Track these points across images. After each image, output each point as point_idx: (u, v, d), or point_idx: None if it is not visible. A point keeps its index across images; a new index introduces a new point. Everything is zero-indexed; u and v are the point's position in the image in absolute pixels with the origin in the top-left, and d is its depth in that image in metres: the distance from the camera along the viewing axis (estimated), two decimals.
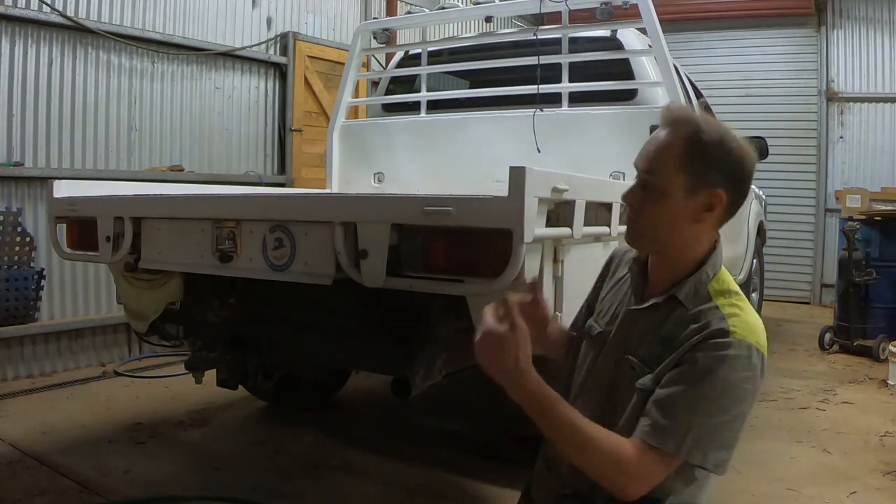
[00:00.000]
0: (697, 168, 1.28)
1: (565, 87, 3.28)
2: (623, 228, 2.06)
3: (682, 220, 1.31)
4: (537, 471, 1.51)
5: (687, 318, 1.29)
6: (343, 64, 4.13)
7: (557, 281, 1.88)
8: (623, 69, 3.33)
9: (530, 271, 1.65)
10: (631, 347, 1.35)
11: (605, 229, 2.06)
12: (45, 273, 3.93)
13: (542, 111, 3.28)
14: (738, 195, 1.33)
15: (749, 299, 5.87)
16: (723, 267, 1.37)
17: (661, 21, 3.08)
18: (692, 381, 1.21)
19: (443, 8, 3.88)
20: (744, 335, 1.23)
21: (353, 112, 4.32)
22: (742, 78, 7.68)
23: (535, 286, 1.45)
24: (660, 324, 1.32)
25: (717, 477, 1.33)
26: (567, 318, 1.74)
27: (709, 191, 1.29)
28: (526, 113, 3.30)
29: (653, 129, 1.40)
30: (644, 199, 1.31)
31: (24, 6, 3.85)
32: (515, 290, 1.65)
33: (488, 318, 1.21)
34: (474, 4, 3.66)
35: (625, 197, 1.35)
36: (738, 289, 1.35)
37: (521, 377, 1.18)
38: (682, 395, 1.21)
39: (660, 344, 1.30)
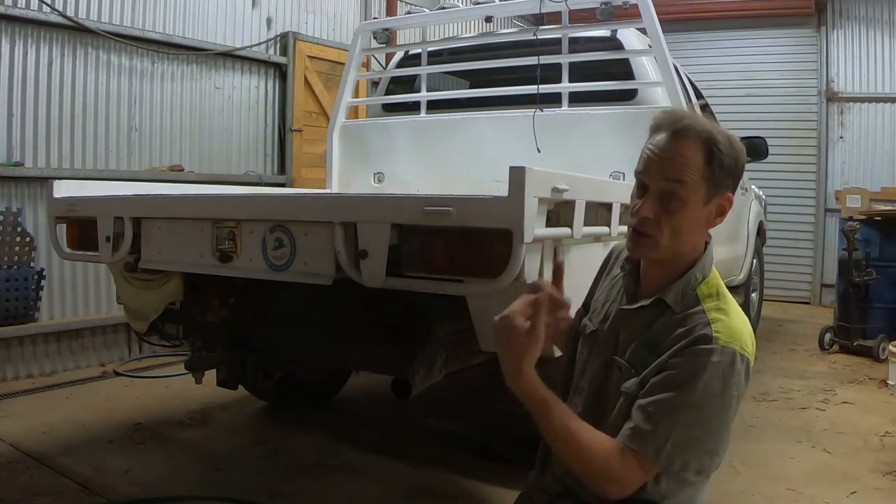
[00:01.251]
0: (716, 176, 1.28)
1: (565, 87, 3.28)
2: (623, 228, 2.07)
3: (698, 227, 1.32)
4: (534, 470, 1.51)
5: (673, 322, 1.29)
6: (343, 64, 4.13)
7: None
8: (623, 69, 3.33)
9: (530, 271, 1.65)
10: (619, 348, 1.36)
11: (605, 229, 2.06)
12: (45, 273, 3.93)
13: (542, 111, 3.28)
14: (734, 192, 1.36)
15: (749, 299, 5.85)
16: (713, 269, 1.37)
17: (661, 21, 3.08)
18: (675, 388, 1.22)
19: (443, 8, 3.88)
20: (728, 341, 1.23)
21: (353, 112, 4.32)
22: (742, 78, 7.67)
23: (560, 271, 1.44)
24: (647, 326, 1.32)
25: (717, 477, 1.33)
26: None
27: (723, 196, 1.31)
28: (526, 113, 3.30)
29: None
30: (661, 211, 1.28)
31: (24, 6, 3.85)
32: (515, 291, 1.65)
33: (518, 304, 1.24)
34: (474, 4, 3.66)
35: (639, 210, 1.29)
36: (726, 291, 1.35)
37: (518, 376, 1.21)
38: (664, 401, 1.22)
39: (646, 347, 1.31)
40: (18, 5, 3.83)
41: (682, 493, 1.29)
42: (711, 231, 1.38)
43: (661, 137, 1.31)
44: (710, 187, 1.29)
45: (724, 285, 1.36)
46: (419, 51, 3.88)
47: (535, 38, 3.35)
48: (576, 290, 1.55)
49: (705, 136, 1.28)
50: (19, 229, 3.84)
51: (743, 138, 5.37)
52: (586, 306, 1.54)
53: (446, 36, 5.99)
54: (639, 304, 1.35)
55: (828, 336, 5.11)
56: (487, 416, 3.39)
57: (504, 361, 1.22)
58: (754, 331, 4.55)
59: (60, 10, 3.97)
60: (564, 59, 3.28)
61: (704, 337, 1.24)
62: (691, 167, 1.27)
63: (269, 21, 5.28)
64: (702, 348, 1.23)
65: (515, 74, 3.46)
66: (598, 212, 2.06)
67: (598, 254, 1.97)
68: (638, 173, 1.33)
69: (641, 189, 1.32)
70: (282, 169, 5.39)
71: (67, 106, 4.09)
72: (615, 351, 1.36)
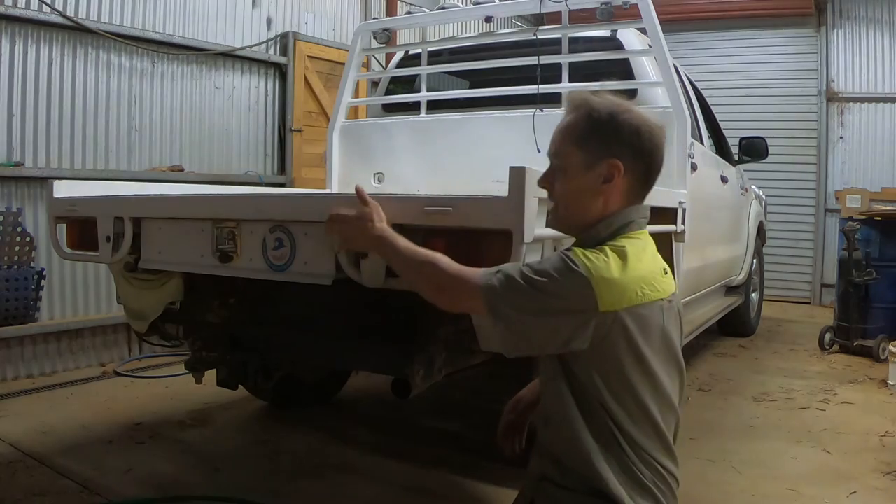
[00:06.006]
0: (592, 143, 1.39)
1: (565, 87, 3.28)
2: None
3: (587, 193, 1.41)
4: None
5: None
6: (343, 64, 4.13)
7: None
8: (623, 69, 3.33)
9: None
10: None
11: None
12: (45, 273, 3.93)
13: (542, 111, 3.28)
14: (643, 164, 1.42)
15: (749, 299, 5.83)
16: (635, 235, 1.41)
17: (661, 21, 3.08)
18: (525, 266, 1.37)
19: (443, 8, 3.87)
20: (583, 257, 1.32)
21: (353, 112, 4.32)
22: (742, 78, 7.67)
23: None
24: None
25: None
26: None
27: (607, 161, 1.38)
28: (526, 113, 3.30)
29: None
30: (553, 182, 1.44)
31: (24, 6, 3.85)
32: None
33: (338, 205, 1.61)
34: (474, 4, 3.65)
35: (539, 182, 1.48)
36: (632, 248, 1.37)
37: (382, 238, 1.52)
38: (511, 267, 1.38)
39: None
40: (18, 5, 3.83)
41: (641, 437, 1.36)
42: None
43: None
44: (588, 153, 1.39)
45: (636, 252, 1.37)
46: (419, 51, 3.87)
47: (535, 38, 3.35)
48: None
49: (581, 105, 1.41)
50: (19, 229, 3.84)
51: (743, 138, 5.39)
52: None
53: (446, 36, 5.99)
54: None
55: (828, 336, 5.11)
56: (487, 416, 3.40)
57: (365, 237, 1.55)
58: (754, 331, 4.54)
59: (60, 10, 3.97)
60: (564, 59, 3.28)
61: (569, 248, 1.40)
62: (567, 138, 1.42)
63: (269, 21, 5.28)
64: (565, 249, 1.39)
65: (515, 74, 3.46)
66: None
67: None
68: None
69: None
70: (282, 169, 5.39)
71: (67, 106, 4.09)
72: None
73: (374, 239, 1.54)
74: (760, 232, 5.64)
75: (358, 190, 1.61)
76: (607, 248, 1.35)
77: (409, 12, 4.49)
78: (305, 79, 5.47)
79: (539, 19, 3.57)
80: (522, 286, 1.32)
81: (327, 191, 3.91)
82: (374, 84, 5.41)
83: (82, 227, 2.43)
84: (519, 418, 1.75)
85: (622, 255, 1.34)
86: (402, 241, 1.50)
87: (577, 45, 3.36)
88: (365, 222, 1.54)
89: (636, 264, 1.35)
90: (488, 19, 3.90)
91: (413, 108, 3.84)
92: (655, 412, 1.37)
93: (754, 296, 5.68)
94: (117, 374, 4.11)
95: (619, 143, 1.38)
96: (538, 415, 1.55)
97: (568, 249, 1.37)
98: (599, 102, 1.40)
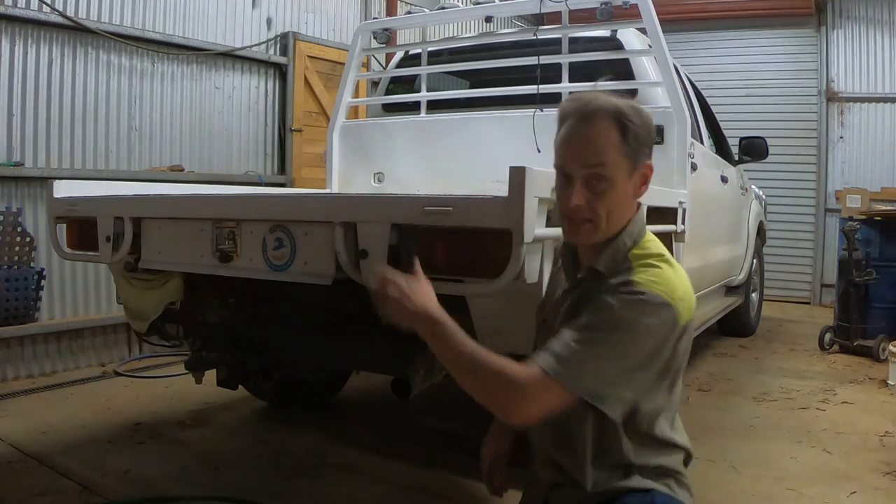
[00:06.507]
0: (634, 149, 1.32)
1: (565, 87, 3.28)
2: None
3: (628, 201, 1.36)
4: (531, 468, 1.54)
5: (608, 285, 1.31)
6: (343, 64, 4.13)
7: None
8: (623, 69, 3.33)
9: (530, 271, 1.65)
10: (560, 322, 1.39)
11: None
12: (45, 273, 3.93)
13: (542, 111, 3.28)
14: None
15: (749, 299, 5.82)
16: (652, 237, 1.40)
17: (661, 21, 3.08)
18: (588, 315, 1.27)
19: (443, 8, 3.88)
20: (646, 283, 1.26)
21: (353, 112, 4.32)
22: (742, 78, 7.67)
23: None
24: (588, 298, 1.34)
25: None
26: None
27: (644, 163, 1.35)
28: (526, 113, 3.30)
29: (656, 129, 1.42)
30: (591, 196, 1.31)
31: (24, 6, 3.85)
32: (515, 290, 1.66)
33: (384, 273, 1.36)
34: (474, 4, 3.65)
35: (571, 200, 1.31)
36: (664, 251, 1.36)
37: (429, 318, 1.29)
38: (574, 325, 1.27)
39: (574, 308, 1.36)
40: (18, 5, 3.83)
41: (605, 437, 1.33)
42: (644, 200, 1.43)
43: (571, 125, 1.33)
44: (631, 160, 1.32)
45: (666, 252, 1.37)
46: (419, 51, 3.87)
47: (535, 38, 3.35)
48: None
49: (614, 112, 1.31)
50: (19, 229, 3.84)
51: (743, 138, 5.38)
52: (544, 304, 1.60)
53: (446, 36, 5.99)
54: (577, 280, 1.41)
55: (828, 336, 5.11)
56: (487, 416, 3.40)
57: (410, 317, 1.30)
58: (754, 331, 4.54)
59: (60, 10, 3.97)
60: (564, 59, 3.28)
61: (626, 281, 1.28)
62: (609, 146, 1.30)
63: (269, 21, 5.28)
64: (621, 285, 1.28)
65: (515, 74, 3.46)
66: None
67: None
68: (559, 166, 1.35)
69: (566, 179, 1.34)
70: (282, 169, 5.39)
71: (67, 106, 4.09)
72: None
73: (416, 318, 1.32)
74: (760, 232, 5.64)
75: (415, 267, 1.42)
76: (653, 261, 1.32)
77: (409, 12, 4.49)
78: (305, 79, 5.47)
79: (539, 19, 3.57)
80: (601, 359, 1.24)
81: (327, 191, 3.91)
82: (374, 84, 5.41)
83: (82, 227, 2.43)
84: (498, 462, 1.69)
85: (668, 261, 1.33)
86: (452, 330, 1.29)
87: (577, 45, 3.36)
88: (408, 298, 1.33)
89: (679, 267, 1.35)
90: (488, 19, 3.90)
91: (413, 108, 3.84)
92: (676, 400, 1.39)
93: (754, 296, 5.68)
94: (117, 374, 4.11)
95: (648, 143, 1.35)
96: (545, 436, 1.45)
97: (625, 284, 1.28)
98: (623, 103, 1.33)
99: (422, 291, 1.33)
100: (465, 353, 1.26)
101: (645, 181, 1.36)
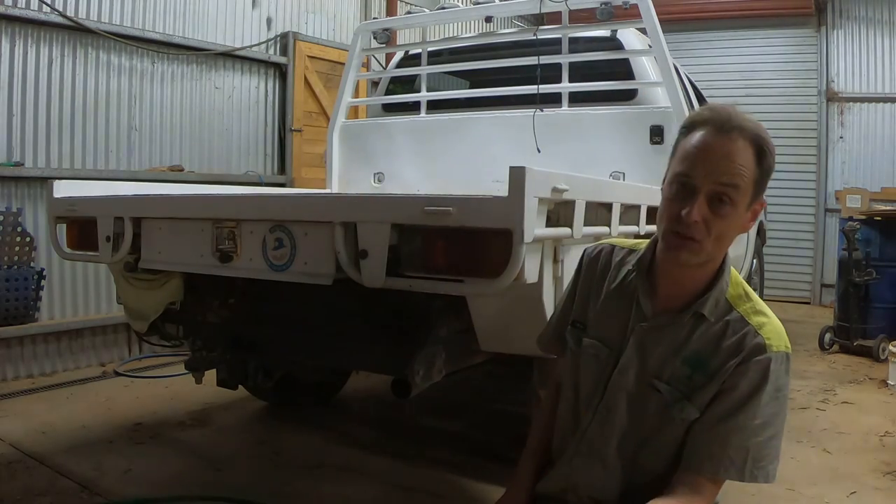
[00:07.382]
0: (761, 180, 1.22)
1: (565, 87, 3.28)
2: (624, 228, 2.07)
3: (736, 231, 1.24)
4: (542, 480, 1.46)
5: (713, 333, 1.25)
6: (343, 64, 4.14)
7: (557, 281, 1.87)
8: (623, 69, 3.33)
9: (530, 271, 1.65)
10: (652, 368, 1.29)
11: (605, 229, 2.06)
12: (45, 273, 3.93)
13: (542, 111, 3.28)
14: None
15: None
16: (731, 267, 1.34)
17: (661, 21, 3.08)
18: (741, 407, 1.22)
19: (443, 8, 3.88)
20: (778, 346, 1.23)
21: (353, 112, 4.32)
22: (742, 78, 7.67)
23: None
24: (683, 341, 1.27)
25: None
26: None
27: (761, 198, 1.25)
28: (526, 113, 3.30)
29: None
30: (710, 214, 1.19)
31: (24, 6, 3.85)
32: (515, 290, 1.65)
33: None
34: (474, 4, 3.66)
35: (690, 214, 1.18)
36: (748, 286, 1.33)
37: None
38: (734, 423, 1.23)
39: (688, 364, 1.26)
40: (18, 5, 3.83)
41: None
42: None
43: (707, 135, 1.21)
44: (756, 190, 1.22)
45: (741, 279, 1.34)
46: (419, 51, 3.88)
47: (535, 38, 3.35)
48: None
49: (755, 135, 1.21)
50: (19, 229, 3.84)
51: None
52: (566, 318, 1.49)
53: (446, 36, 5.99)
54: (670, 319, 1.29)
55: (828, 336, 5.11)
56: (487, 416, 3.40)
57: None
58: None
59: (60, 10, 3.97)
60: (564, 59, 3.28)
61: (758, 347, 1.23)
62: (745, 169, 1.19)
63: (269, 21, 5.28)
64: (759, 360, 1.23)
65: (515, 74, 3.46)
66: (599, 212, 2.05)
67: None
68: (681, 174, 1.22)
69: (686, 190, 1.20)
70: (282, 169, 5.39)
71: (67, 106, 4.09)
72: (646, 371, 1.30)
73: None
74: (760, 232, 5.63)
75: None
76: (759, 307, 1.29)
77: (409, 12, 4.49)
78: (305, 79, 5.47)
79: (539, 19, 3.57)
80: (770, 443, 1.30)
81: (327, 191, 3.91)
82: (374, 84, 5.41)
83: (82, 227, 2.43)
84: None
85: (763, 306, 1.30)
86: None
87: (577, 45, 3.37)
88: None
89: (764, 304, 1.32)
90: (488, 19, 3.91)
91: (413, 108, 3.84)
92: None
93: None
94: (117, 374, 4.11)
95: (770, 177, 1.25)
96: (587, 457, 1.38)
97: (756, 351, 1.23)
98: (763, 130, 1.23)
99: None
100: None
101: (754, 217, 1.26)
